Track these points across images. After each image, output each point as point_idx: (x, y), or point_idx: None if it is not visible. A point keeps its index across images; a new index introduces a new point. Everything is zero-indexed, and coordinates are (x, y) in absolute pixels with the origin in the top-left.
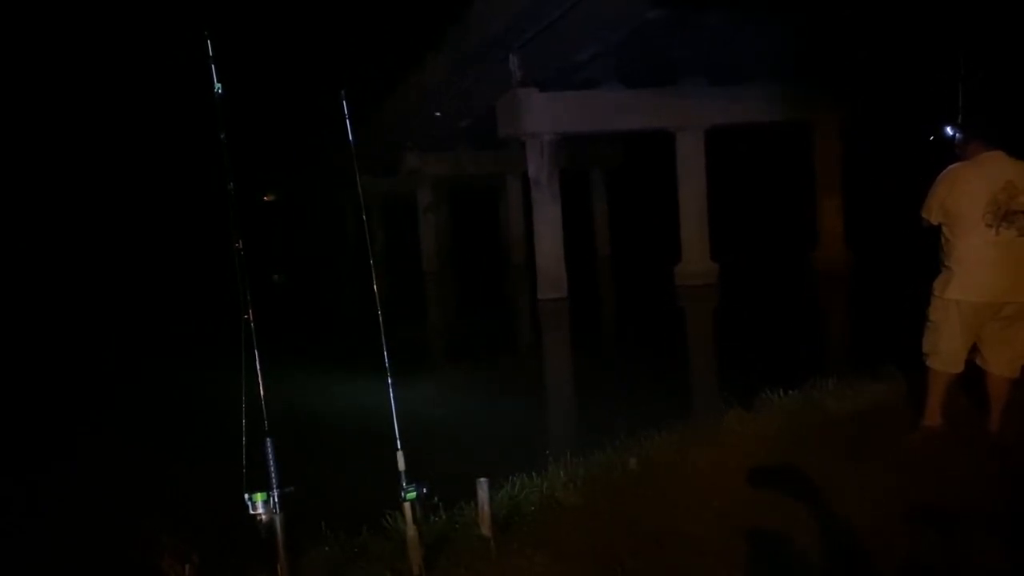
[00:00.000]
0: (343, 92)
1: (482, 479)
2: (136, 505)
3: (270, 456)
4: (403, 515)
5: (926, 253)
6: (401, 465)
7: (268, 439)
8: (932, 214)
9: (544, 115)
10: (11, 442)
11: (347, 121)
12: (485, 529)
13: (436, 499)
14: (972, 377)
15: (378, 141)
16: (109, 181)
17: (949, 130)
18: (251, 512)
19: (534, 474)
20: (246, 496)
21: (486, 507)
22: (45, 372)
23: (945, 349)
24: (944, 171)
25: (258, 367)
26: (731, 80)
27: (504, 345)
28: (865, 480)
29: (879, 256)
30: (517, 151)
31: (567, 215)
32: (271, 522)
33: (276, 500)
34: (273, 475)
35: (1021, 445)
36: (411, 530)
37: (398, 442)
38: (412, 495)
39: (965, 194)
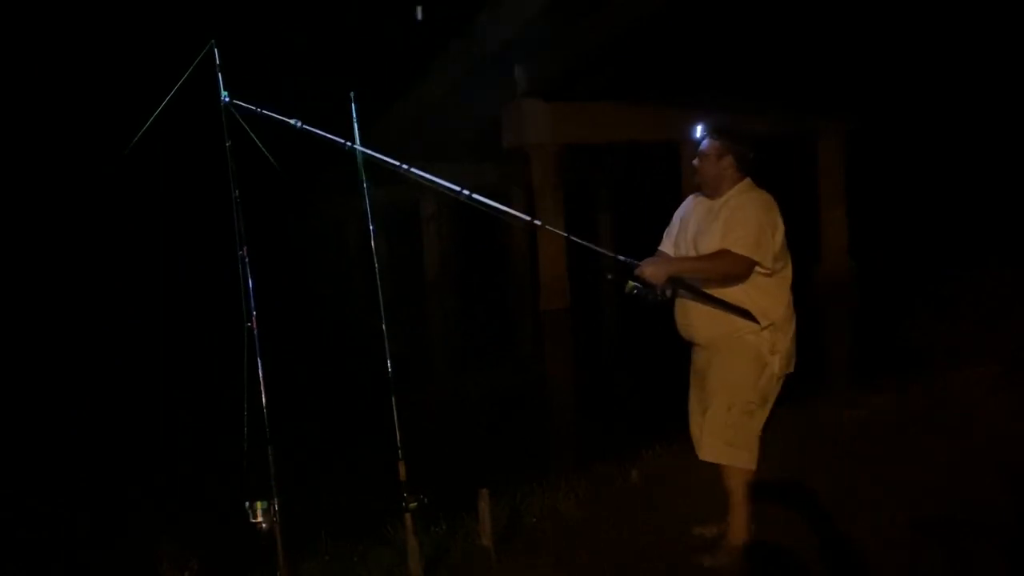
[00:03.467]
0: (352, 94)
1: (483, 490)
2: (136, 511)
3: (271, 464)
4: (404, 525)
5: (929, 264)
6: (403, 475)
7: (269, 447)
8: (771, 258)
9: (548, 126)
10: (13, 445)
11: (355, 124)
12: (486, 540)
13: (437, 509)
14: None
15: (380, 150)
16: (115, 188)
17: (699, 131)
18: (251, 520)
19: (535, 485)
20: (246, 504)
21: (487, 518)
22: (48, 375)
23: (756, 436)
24: (758, 197)
25: (260, 375)
26: (735, 92)
27: (506, 356)
28: (867, 492)
29: (883, 268)
30: (521, 162)
31: (570, 226)
32: (271, 530)
33: (276, 508)
34: (273, 483)
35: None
36: (412, 540)
37: (400, 452)
38: (413, 505)
39: (783, 229)
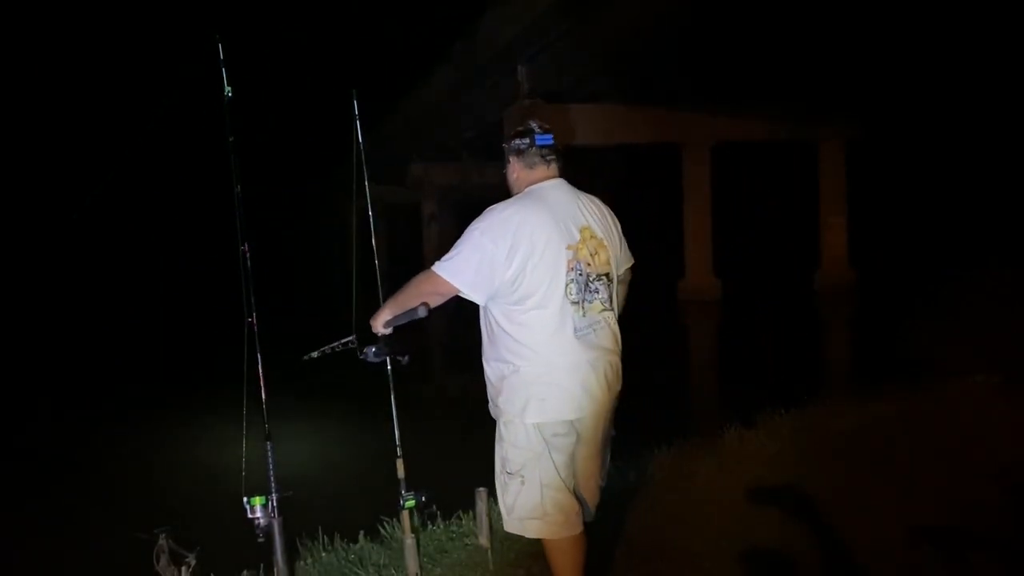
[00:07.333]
0: (354, 92)
1: (481, 489)
2: (134, 506)
3: (270, 460)
4: (401, 523)
5: (929, 267)
6: (400, 473)
7: (268, 443)
8: (479, 288)
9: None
10: (11, 442)
11: (357, 121)
12: (483, 539)
13: (434, 508)
14: None
15: (383, 151)
16: (117, 185)
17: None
18: (249, 516)
19: None
20: (245, 500)
21: (484, 517)
22: (47, 372)
23: (545, 502)
24: (489, 213)
25: (260, 371)
26: (737, 98)
27: None
28: (867, 492)
29: (882, 275)
30: None
31: None
32: (269, 526)
33: (275, 504)
34: (272, 479)
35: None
36: (409, 538)
37: (398, 449)
38: (411, 503)
39: (539, 250)
